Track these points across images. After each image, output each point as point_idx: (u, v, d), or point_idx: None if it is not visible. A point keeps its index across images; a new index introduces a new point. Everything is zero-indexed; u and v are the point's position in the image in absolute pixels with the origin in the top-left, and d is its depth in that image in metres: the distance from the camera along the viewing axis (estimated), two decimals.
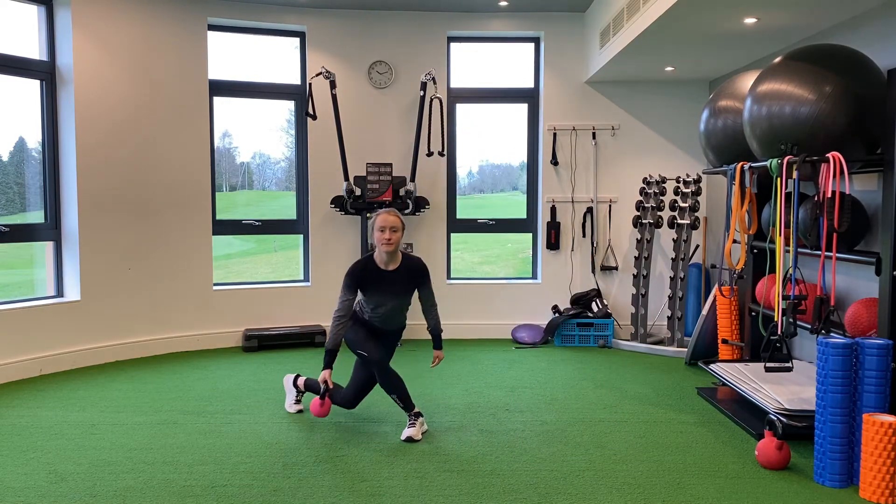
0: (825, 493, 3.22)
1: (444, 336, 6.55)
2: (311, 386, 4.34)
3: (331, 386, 4.00)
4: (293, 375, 4.47)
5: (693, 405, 4.54)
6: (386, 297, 4.03)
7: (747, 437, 3.95)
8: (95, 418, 4.25)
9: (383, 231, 3.92)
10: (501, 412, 4.39)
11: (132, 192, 5.81)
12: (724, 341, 5.19)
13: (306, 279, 6.62)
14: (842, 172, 3.51)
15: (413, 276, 4.05)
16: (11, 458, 3.62)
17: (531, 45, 6.73)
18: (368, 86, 6.51)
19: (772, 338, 3.79)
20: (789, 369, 3.71)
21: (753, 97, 3.96)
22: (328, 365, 3.97)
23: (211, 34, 6.21)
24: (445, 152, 6.49)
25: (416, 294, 4.14)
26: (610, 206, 6.64)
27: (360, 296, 4.11)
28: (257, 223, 6.53)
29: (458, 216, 6.79)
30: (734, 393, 4.62)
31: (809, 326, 3.90)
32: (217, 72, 6.28)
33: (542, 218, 6.67)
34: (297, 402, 4.41)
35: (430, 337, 4.21)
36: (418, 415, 3.96)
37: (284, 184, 6.86)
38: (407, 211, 6.29)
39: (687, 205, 5.98)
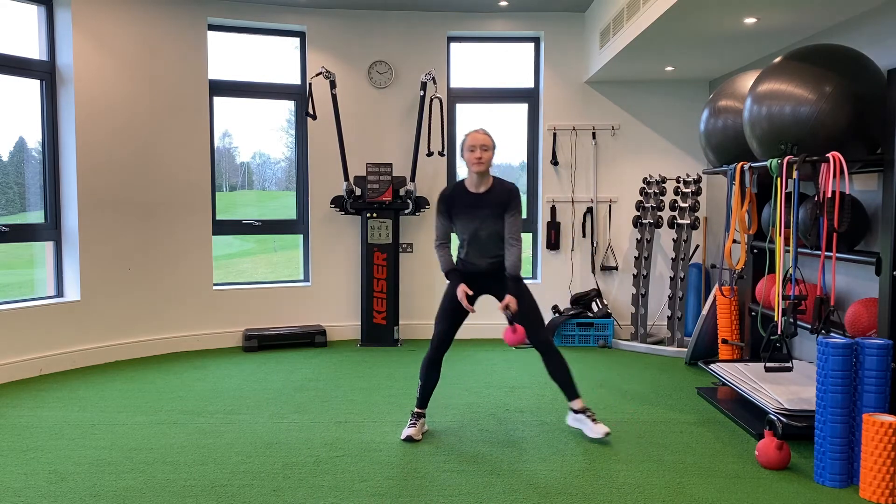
0: (825, 493, 3.22)
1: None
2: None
3: (470, 293, 3.76)
4: (570, 415, 4.00)
5: (693, 405, 4.54)
6: (476, 221, 3.80)
7: (747, 437, 3.95)
8: (95, 418, 4.25)
9: (473, 150, 3.74)
10: (501, 412, 4.39)
11: (132, 191, 5.81)
12: (724, 341, 5.19)
13: (306, 279, 6.62)
14: (842, 172, 3.51)
15: (503, 198, 3.79)
16: (11, 458, 3.62)
17: (531, 45, 6.73)
18: (368, 86, 6.51)
19: (772, 338, 3.79)
20: (789, 369, 3.71)
21: (753, 97, 3.96)
22: (459, 281, 3.79)
23: (211, 34, 6.21)
24: (445, 152, 6.49)
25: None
26: (610, 206, 6.64)
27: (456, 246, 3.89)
28: (257, 223, 6.53)
29: None
30: (734, 393, 4.62)
31: (809, 326, 3.90)
32: (217, 72, 6.28)
33: (542, 218, 6.67)
34: (594, 420, 3.91)
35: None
36: (421, 416, 3.95)
37: (284, 184, 6.86)
38: (407, 211, 6.30)
39: (687, 205, 5.98)
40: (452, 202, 3.83)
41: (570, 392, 3.92)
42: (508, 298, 3.76)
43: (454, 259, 3.95)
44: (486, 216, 3.79)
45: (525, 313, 3.84)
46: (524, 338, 3.74)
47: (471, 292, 3.80)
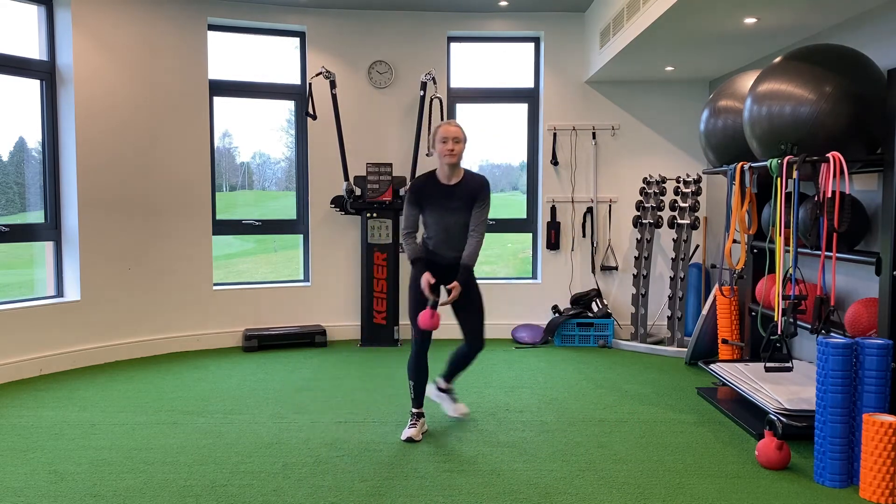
0: (825, 493, 3.22)
1: (443, 336, 6.57)
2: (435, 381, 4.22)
3: (432, 282, 3.75)
4: (432, 386, 4.24)
5: (693, 405, 4.54)
6: (446, 213, 3.81)
7: (747, 437, 3.95)
8: (95, 418, 4.25)
9: (445, 142, 3.73)
10: (501, 412, 4.39)
11: (132, 191, 5.81)
12: (724, 341, 5.19)
13: (306, 279, 6.62)
14: (842, 172, 3.51)
15: (474, 190, 3.81)
16: (11, 458, 3.62)
17: (531, 45, 6.73)
18: (368, 86, 6.51)
19: (772, 338, 3.79)
20: (789, 369, 3.71)
21: (753, 97, 3.96)
22: (423, 269, 3.80)
23: (211, 34, 6.21)
24: None
25: None
26: (610, 206, 6.64)
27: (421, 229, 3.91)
28: (257, 223, 6.53)
29: None
30: (734, 393, 4.62)
31: (809, 326, 3.90)
32: (217, 72, 6.28)
33: (542, 218, 6.67)
34: (455, 400, 4.24)
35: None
36: (420, 415, 3.96)
37: (284, 184, 6.86)
38: None
39: (687, 205, 5.98)
40: (424, 193, 3.83)
41: (450, 375, 4.17)
42: (454, 284, 3.78)
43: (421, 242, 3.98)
44: (457, 208, 3.82)
45: (468, 303, 3.92)
46: (437, 325, 3.74)
47: (433, 281, 3.78)
